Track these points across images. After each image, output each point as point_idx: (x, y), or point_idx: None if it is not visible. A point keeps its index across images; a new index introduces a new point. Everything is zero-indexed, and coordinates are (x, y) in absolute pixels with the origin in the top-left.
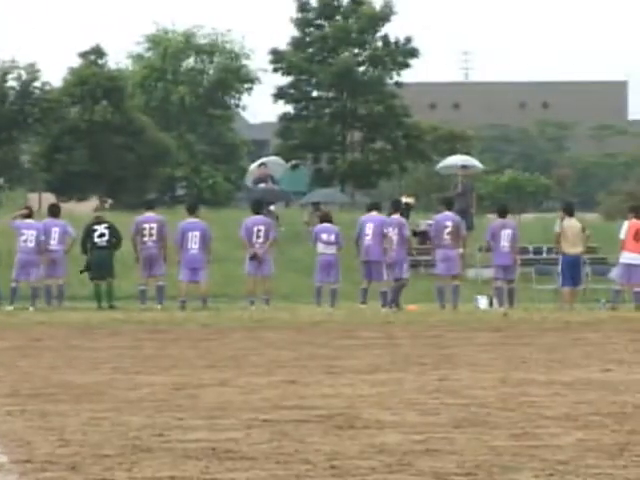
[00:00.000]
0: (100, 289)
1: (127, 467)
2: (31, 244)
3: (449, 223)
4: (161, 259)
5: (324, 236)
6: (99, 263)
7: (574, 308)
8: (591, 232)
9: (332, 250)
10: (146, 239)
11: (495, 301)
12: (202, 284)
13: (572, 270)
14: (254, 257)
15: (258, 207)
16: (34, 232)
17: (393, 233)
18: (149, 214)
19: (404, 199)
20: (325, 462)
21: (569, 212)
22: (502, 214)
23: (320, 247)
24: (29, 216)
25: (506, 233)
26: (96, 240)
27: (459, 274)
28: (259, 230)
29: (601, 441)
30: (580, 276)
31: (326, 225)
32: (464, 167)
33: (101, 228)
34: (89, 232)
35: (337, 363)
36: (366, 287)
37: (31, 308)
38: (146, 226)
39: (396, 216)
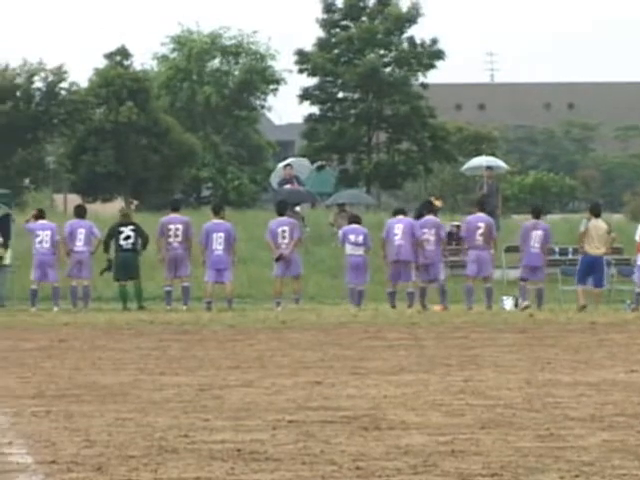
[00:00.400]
0: (125, 290)
1: (152, 468)
2: (47, 244)
3: (481, 224)
4: (186, 260)
5: (352, 237)
6: (124, 264)
7: (598, 309)
8: (617, 235)
9: (360, 251)
10: (171, 240)
11: (520, 300)
12: (227, 285)
13: (590, 270)
14: (280, 258)
15: (282, 209)
16: (49, 232)
17: (430, 234)
18: (174, 215)
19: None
20: (350, 463)
21: (596, 213)
22: (536, 215)
23: (348, 248)
24: (41, 217)
25: (537, 234)
26: (122, 242)
27: (490, 276)
28: (284, 231)
29: (627, 442)
30: (602, 277)
31: (354, 226)
32: (489, 168)
33: (127, 230)
34: (115, 233)
35: (362, 364)
36: (394, 290)
37: (55, 308)
38: (171, 227)
39: (431, 217)
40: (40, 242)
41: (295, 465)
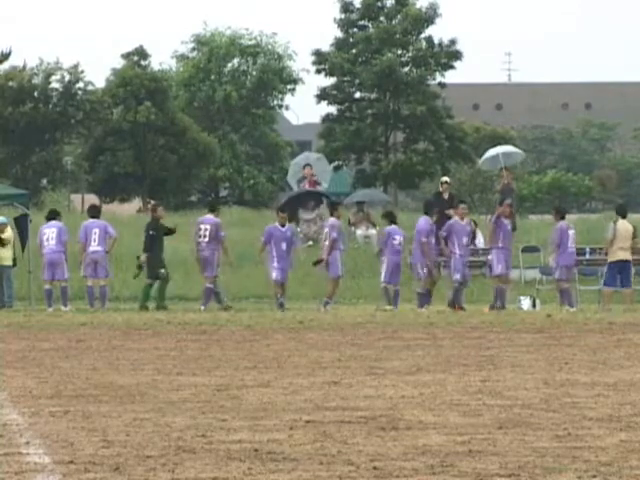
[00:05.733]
0: (150, 289)
1: (170, 468)
2: (53, 241)
3: (506, 221)
4: (214, 261)
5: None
6: (153, 264)
7: (630, 308)
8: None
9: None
10: (200, 240)
11: (565, 301)
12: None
13: (619, 272)
14: (319, 262)
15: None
16: (55, 230)
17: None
18: (208, 216)
19: (442, 180)
20: (368, 463)
21: (622, 214)
22: (561, 216)
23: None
24: (52, 218)
25: (572, 234)
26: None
27: (509, 275)
28: (325, 232)
29: None
30: (629, 277)
31: (395, 227)
32: (506, 169)
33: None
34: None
35: (380, 364)
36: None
37: (63, 308)
38: (202, 227)
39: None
40: (47, 240)
41: (312, 465)
